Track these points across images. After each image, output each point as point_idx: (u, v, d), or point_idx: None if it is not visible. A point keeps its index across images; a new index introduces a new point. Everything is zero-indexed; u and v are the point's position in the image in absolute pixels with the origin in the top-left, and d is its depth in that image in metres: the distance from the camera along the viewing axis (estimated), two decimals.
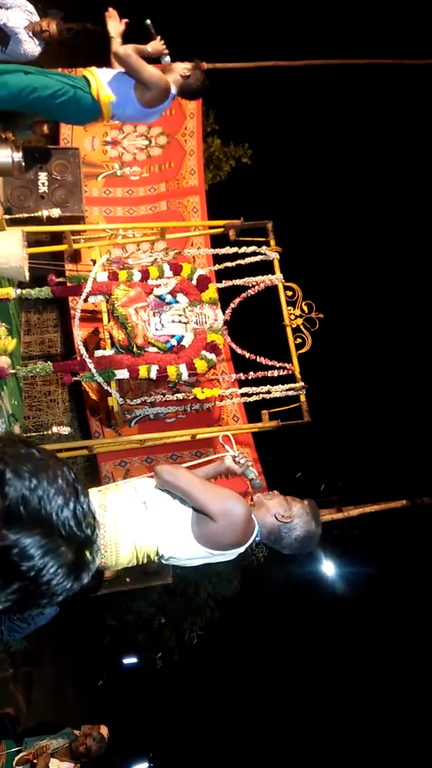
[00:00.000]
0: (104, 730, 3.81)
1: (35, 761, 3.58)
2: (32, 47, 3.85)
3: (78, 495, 0.83)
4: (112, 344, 3.74)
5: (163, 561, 2.38)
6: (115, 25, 3.32)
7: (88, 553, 0.83)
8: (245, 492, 4.27)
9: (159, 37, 3.29)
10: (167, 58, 3.34)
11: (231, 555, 2.31)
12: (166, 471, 2.26)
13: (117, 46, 3.26)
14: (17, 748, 3.72)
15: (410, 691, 11.70)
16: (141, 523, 2.30)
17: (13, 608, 0.80)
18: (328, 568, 10.17)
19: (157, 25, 3.28)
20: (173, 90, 3.40)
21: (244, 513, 2.17)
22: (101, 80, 3.28)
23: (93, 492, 2.46)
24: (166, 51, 3.31)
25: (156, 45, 3.29)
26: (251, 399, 4.09)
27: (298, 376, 4.13)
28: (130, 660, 11.86)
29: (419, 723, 11.33)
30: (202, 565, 2.39)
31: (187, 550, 2.26)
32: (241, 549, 2.27)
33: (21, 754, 3.66)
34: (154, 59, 3.34)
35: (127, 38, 3.34)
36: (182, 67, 3.38)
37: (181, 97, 3.52)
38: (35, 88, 3.16)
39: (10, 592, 0.78)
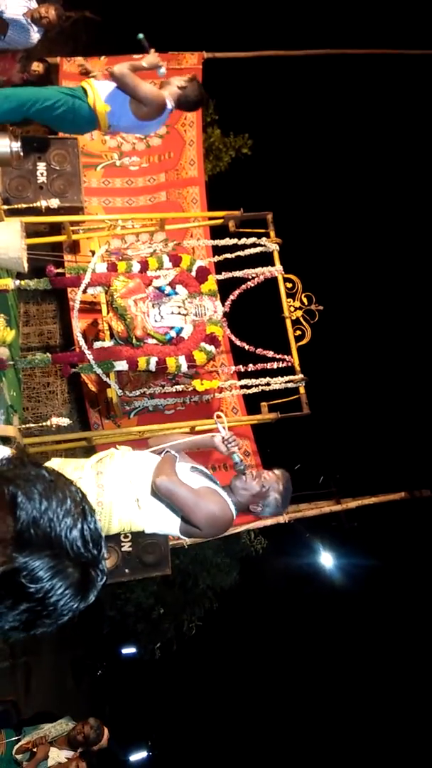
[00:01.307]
0: (104, 731, 3.83)
1: (35, 750, 3.60)
2: (31, 34, 3.82)
3: (86, 515, 0.84)
4: (111, 336, 3.73)
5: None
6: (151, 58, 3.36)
7: (94, 573, 0.84)
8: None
9: (153, 50, 3.32)
10: (163, 70, 3.37)
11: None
12: (165, 487, 2.41)
13: (127, 64, 3.29)
14: (16, 737, 3.74)
15: (408, 682, 11.78)
16: (132, 515, 2.53)
17: (20, 628, 0.80)
18: (327, 559, 10.21)
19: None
20: (170, 105, 3.43)
21: (225, 516, 2.45)
22: (98, 91, 3.34)
23: (91, 468, 2.58)
24: (162, 63, 3.35)
25: (151, 59, 3.34)
26: (250, 391, 4.08)
27: (298, 368, 4.13)
28: (129, 650, 11.94)
29: (417, 714, 11.41)
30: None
31: (170, 533, 2.64)
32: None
33: (20, 743, 3.69)
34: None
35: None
36: (178, 81, 3.43)
37: (179, 109, 3.55)
38: (36, 101, 3.25)
39: (18, 613, 0.78)
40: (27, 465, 0.84)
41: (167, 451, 2.57)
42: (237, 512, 2.53)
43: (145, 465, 2.58)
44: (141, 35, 3.22)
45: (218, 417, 2.64)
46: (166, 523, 2.51)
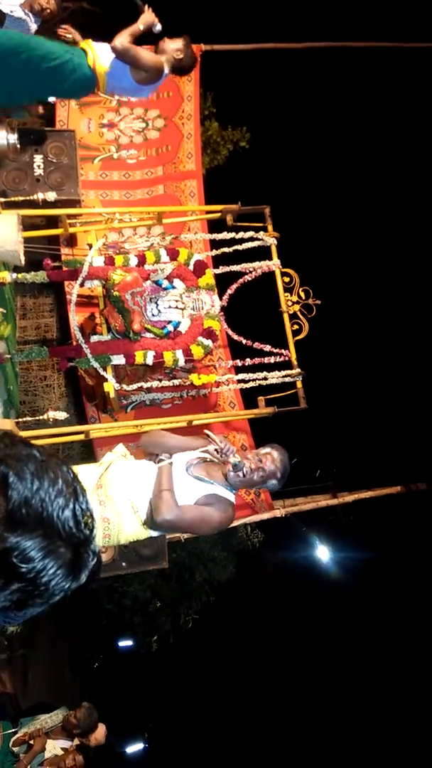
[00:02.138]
0: (101, 728, 3.84)
1: (32, 742, 3.62)
2: (28, 25, 3.79)
3: (77, 495, 0.84)
4: (109, 329, 3.73)
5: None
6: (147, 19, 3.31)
7: (85, 553, 0.84)
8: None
9: (147, 6, 3.30)
10: (158, 27, 3.38)
11: None
12: (167, 523, 2.41)
13: (127, 33, 3.25)
14: (13, 730, 3.76)
15: (405, 675, 11.85)
16: (137, 529, 2.54)
17: (11, 608, 0.81)
18: (323, 553, 10.24)
19: (156, 7, 3.28)
20: (166, 70, 3.45)
21: (229, 518, 2.50)
22: (98, 52, 3.27)
23: (92, 472, 2.56)
24: (156, 21, 3.33)
25: (146, 18, 3.30)
26: (248, 385, 4.08)
27: (295, 362, 4.13)
28: (125, 643, 11.98)
29: (414, 708, 11.49)
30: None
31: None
32: None
33: (17, 735, 3.70)
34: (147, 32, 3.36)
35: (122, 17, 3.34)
36: (174, 48, 3.44)
37: (173, 73, 3.58)
38: (29, 47, 3.06)
39: (9, 593, 0.78)
40: (18, 444, 0.83)
41: (161, 459, 2.54)
42: (235, 494, 2.56)
43: (143, 477, 2.54)
44: None
45: (206, 435, 2.65)
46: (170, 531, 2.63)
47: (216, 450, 2.54)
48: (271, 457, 2.56)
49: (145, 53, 3.30)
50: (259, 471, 2.50)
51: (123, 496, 2.50)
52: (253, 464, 2.50)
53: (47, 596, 0.81)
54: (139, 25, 3.29)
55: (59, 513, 0.80)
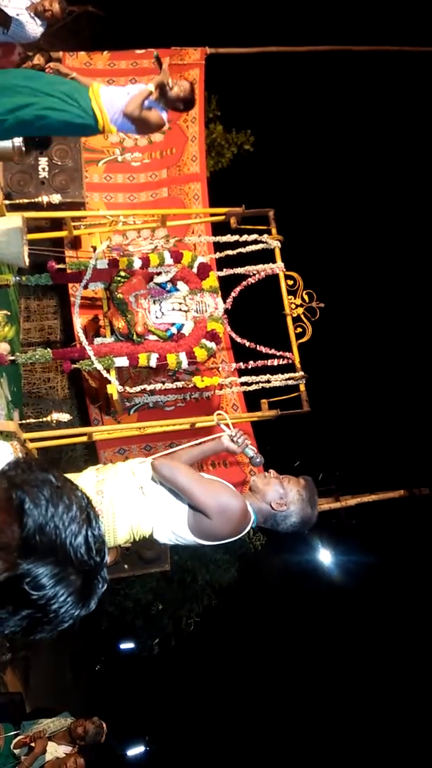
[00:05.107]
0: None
1: (33, 744, 3.61)
2: (34, 28, 3.80)
3: (90, 521, 0.83)
4: (112, 332, 3.73)
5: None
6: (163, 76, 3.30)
7: (95, 580, 0.84)
8: (244, 480, 4.28)
9: (166, 65, 3.29)
10: (171, 84, 3.30)
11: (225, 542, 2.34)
12: (165, 467, 2.25)
13: (139, 102, 3.20)
14: (15, 732, 3.75)
15: (406, 678, 11.81)
16: (137, 508, 2.31)
17: (19, 633, 0.80)
18: (326, 557, 10.22)
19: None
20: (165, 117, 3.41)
21: (240, 508, 2.18)
22: (104, 104, 3.18)
23: (90, 474, 2.47)
24: (168, 80, 3.28)
25: (160, 79, 3.25)
26: (251, 388, 4.08)
27: (298, 365, 4.13)
28: (127, 645, 11.96)
29: (415, 710, 11.45)
30: (199, 551, 2.43)
31: (182, 538, 2.28)
32: (236, 538, 2.29)
33: (18, 738, 3.70)
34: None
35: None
36: (176, 95, 3.34)
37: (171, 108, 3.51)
38: (37, 102, 3.04)
39: (19, 619, 0.78)
40: (35, 469, 0.83)
41: None
42: (257, 518, 2.28)
43: (147, 463, 2.44)
44: (156, 53, 3.28)
45: (219, 416, 2.51)
46: (173, 513, 2.26)
47: (230, 437, 2.40)
48: (297, 485, 2.34)
49: (153, 116, 3.28)
50: (280, 477, 2.32)
51: (125, 474, 2.40)
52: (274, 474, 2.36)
53: (56, 623, 0.81)
54: (150, 86, 3.25)
55: (72, 540, 0.79)
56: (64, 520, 0.79)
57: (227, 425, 2.46)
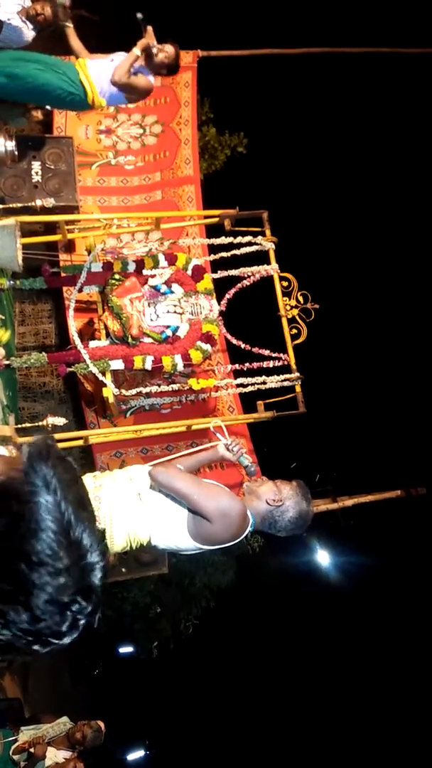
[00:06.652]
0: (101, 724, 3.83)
1: (32, 750, 3.60)
2: (26, 32, 3.79)
3: (104, 555, 0.88)
4: (107, 335, 3.73)
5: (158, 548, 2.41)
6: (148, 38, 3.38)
7: (90, 598, 0.86)
8: (240, 482, 4.27)
9: (150, 28, 3.36)
10: (154, 49, 3.42)
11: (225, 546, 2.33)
12: (162, 474, 2.26)
13: (126, 68, 3.32)
14: (13, 737, 3.74)
15: (405, 679, 11.81)
16: (135, 514, 2.32)
17: (4, 647, 0.84)
18: (323, 558, 10.22)
19: (154, 13, 3.33)
20: (152, 79, 3.55)
21: (240, 511, 2.20)
22: (92, 77, 3.39)
23: (87, 480, 2.46)
24: (153, 42, 3.38)
25: (145, 42, 3.41)
26: (246, 390, 4.08)
27: (294, 366, 4.13)
28: (125, 649, 11.92)
29: (414, 712, 11.45)
30: (197, 553, 2.41)
31: (181, 544, 2.29)
32: (236, 541, 2.30)
33: (18, 743, 3.68)
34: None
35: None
36: (161, 60, 3.48)
37: (157, 73, 3.64)
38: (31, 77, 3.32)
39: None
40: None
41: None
42: (255, 520, 2.29)
43: (145, 469, 2.45)
44: (140, 15, 3.33)
45: (217, 426, 2.53)
46: (172, 519, 2.26)
47: (226, 446, 2.42)
48: (289, 484, 2.38)
49: (141, 82, 3.37)
50: (274, 482, 2.35)
51: (123, 481, 2.41)
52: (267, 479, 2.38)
53: (42, 643, 0.83)
54: (136, 50, 3.34)
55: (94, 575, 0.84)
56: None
57: (223, 434, 2.48)
